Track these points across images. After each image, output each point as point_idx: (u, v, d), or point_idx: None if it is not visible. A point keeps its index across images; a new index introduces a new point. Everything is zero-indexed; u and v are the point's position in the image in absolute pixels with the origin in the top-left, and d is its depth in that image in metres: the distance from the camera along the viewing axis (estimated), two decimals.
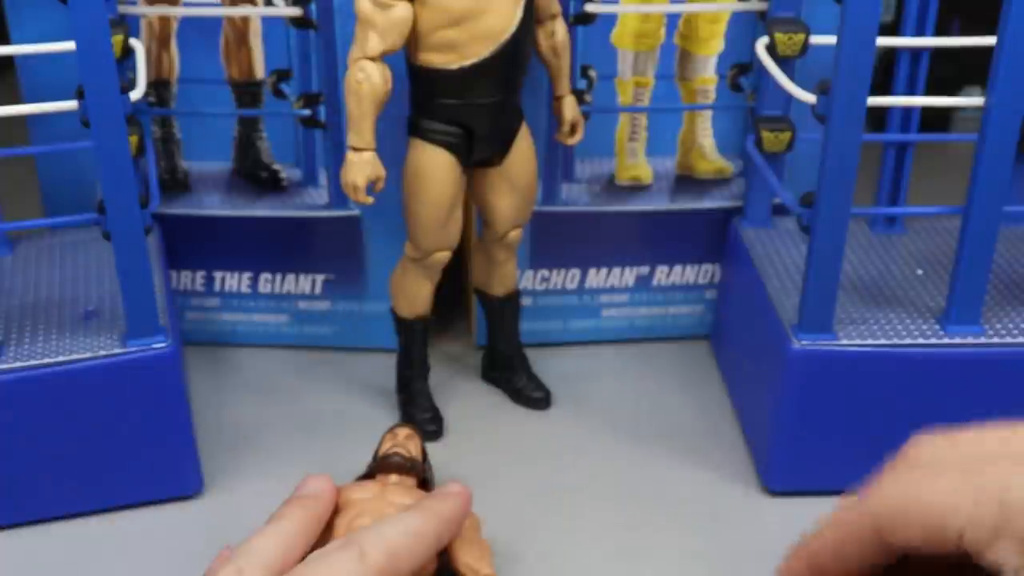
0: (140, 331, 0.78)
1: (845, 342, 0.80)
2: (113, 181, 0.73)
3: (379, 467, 0.76)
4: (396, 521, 0.63)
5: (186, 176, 0.95)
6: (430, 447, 0.83)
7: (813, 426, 0.82)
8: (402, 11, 0.76)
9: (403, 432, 0.79)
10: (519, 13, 0.77)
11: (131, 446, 0.80)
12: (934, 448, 0.26)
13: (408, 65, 0.80)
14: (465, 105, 0.80)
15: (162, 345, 0.78)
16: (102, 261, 0.88)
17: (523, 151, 0.85)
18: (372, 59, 0.76)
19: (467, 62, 0.78)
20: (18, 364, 0.76)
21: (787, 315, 0.81)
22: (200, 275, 0.98)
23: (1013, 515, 0.22)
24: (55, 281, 0.86)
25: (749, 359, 0.91)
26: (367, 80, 0.76)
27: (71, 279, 0.87)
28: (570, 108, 0.87)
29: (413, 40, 0.78)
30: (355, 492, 0.72)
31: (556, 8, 0.83)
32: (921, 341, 0.80)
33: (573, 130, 0.88)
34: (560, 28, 0.84)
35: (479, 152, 0.82)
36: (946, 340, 0.80)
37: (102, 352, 0.77)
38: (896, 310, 0.83)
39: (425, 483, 0.77)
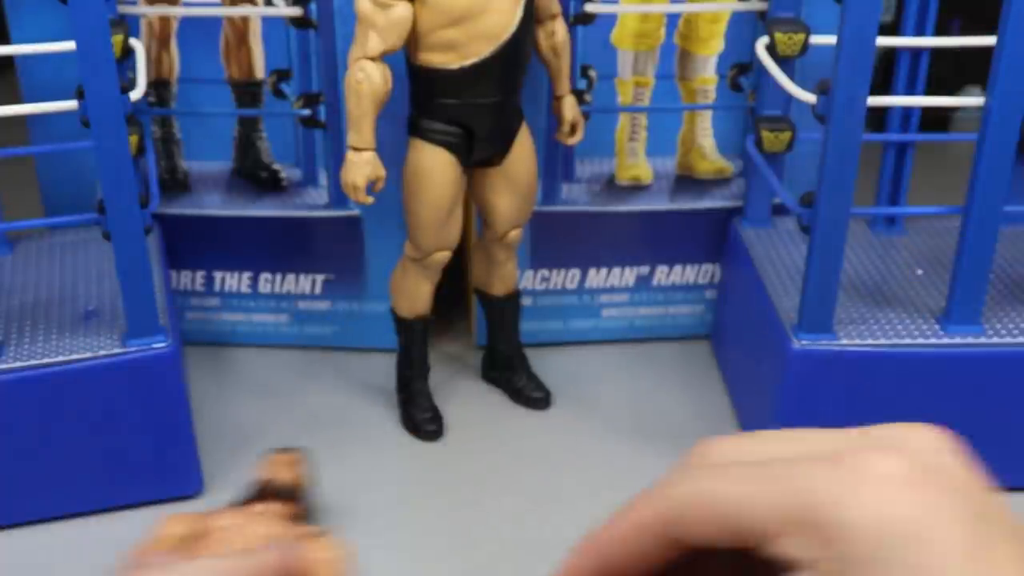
0: (140, 331, 0.78)
1: (845, 342, 0.80)
2: (113, 181, 0.73)
3: (251, 495, 0.75)
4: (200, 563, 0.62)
5: (186, 176, 0.95)
6: (430, 446, 0.83)
7: (813, 426, 0.81)
8: (402, 11, 0.76)
9: (280, 458, 0.77)
10: (519, 13, 0.77)
11: (131, 446, 0.80)
12: (723, 449, 0.25)
13: (408, 65, 0.80)
14: (465, 105, 0.79)
15: (162, 345, 0.78)
16: (102, 261, 0.88)
17: (523, 151, 0.84)
18: (372, 59, 0.76)
19: (467, 62, 0.78)
20: (18, 364, 0.76)
21: (787, 315, 0.81)
22: (200, 275, 0.98)
23: (809, 507, 0.22)
24: (55, 281, 0.86)
25: (749, 359, 0.91)
26: (367, 80, 0.76)
27: (71, 279, 0.87)
28: (570, 108, 0.87)
29: (413, 40, 0.78)
30: (218, 520, 0.70)
31: (556, 8, 0.83)
32: (921, 341, 0.80)
33: (573, 130, 0.88)
34: (560, 28, 0.84)
35: (479, 152, 0.82)
36: (946, 340, 0.80)
37: (102, 352, 0.77)
38: (896, 310, 0.83)
39: (302, 513, 0.75)
